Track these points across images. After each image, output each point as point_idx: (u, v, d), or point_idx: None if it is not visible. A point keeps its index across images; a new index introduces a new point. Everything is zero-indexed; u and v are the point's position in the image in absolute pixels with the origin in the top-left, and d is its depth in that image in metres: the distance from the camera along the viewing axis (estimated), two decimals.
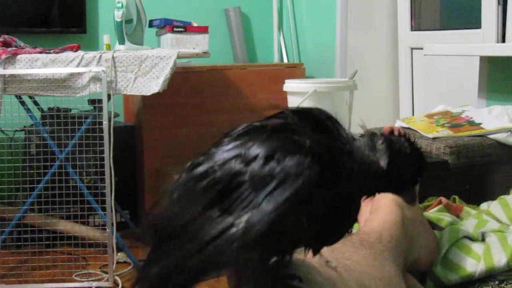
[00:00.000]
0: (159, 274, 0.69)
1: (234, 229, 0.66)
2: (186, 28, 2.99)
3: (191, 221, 0.69)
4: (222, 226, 0.67)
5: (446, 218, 1.31)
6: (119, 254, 2.76)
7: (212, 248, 0.67)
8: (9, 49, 2.55)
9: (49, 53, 2.58)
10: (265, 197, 0.67)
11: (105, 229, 2.61)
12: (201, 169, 0.72)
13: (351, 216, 0.78)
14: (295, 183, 0.68)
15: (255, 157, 0.69)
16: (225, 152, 0.71)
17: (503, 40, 2.27)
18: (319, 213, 0.71)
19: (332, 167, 0.70)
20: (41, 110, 2.88)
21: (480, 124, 1.90)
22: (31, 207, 2.75)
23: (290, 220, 0.68)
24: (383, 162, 0.77)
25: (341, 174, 0.71)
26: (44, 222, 2.74)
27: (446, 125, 1.93)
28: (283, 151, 0.69)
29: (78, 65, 2.55)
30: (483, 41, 2.33)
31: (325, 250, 0.94)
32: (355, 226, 1.36)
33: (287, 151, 0.69)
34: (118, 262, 2.72)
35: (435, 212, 1.36)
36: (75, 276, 2.65)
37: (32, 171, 2.66)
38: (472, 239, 1.20)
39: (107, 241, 2.58)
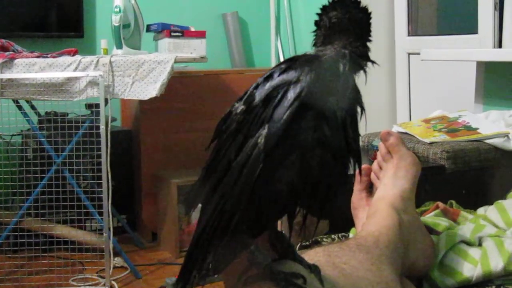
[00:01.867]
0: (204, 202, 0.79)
1: (259, 144, 0.74)
2: (183, 32, 3.00)
3: (225, 149, 0.79)
4: (249, 148, 0.75)
5: (443, 222, 1.31)
6: (116, 258, 2.76)
7: (246, 171, 0.74)
8: (7, 53, 2.55)
9: (47, 57, 2.58)
10: (274, 109, 0.75)
11: (102, 233, 2.61)
12: (227, 111, 0.82)
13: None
14: (296, 87, 0.75)
15: (259, 82, 0.79)
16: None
17: (500, 46, 2.27)
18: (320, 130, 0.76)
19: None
20: (38, 114, 2.88)
21: (477, 129, 1.91)
22: (28, 211, 2.75)
23: (300, 126, 0.75)
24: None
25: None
26: (40, 227, 2.74)
27: (443, 130, 1.94)
28: (280, 69, 0.79)
29: (75, 70, 2.55)
30: (479, 46, 2.33)
31: (321, 255, 0.94)
32: (352, 230, 1.36)
33: (284, 69, 0.78)
34: (115, 267, 2.72)
35: (432, 216, 1.36)
36: (72, 281, 2.64)
37: (29, 176, 2.66)
38: (469, 243, 1.20)
39: (104, 246, 2.57)
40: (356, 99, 0.81)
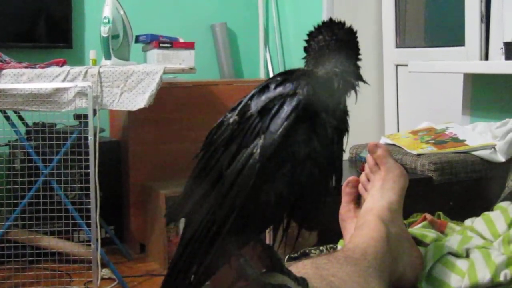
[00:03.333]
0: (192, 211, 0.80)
1: (255, 154, 0.75)
2: (172, 43, 3.00)
3: (216, 159, 0.79)
4: (243, 158, 0.76)
5: (430, 234, 1.31)
6: (103, 270, 2.74)
7: (240, 180, 0.75)
8: None
9: (35, 68, 2.58)
10: (271, 120, 0.76)
11: (89, 245, 2.60)
12: (219, 121, 0.83)
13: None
14: (293, 100, 0.76)
15: (254, 93, 0.80)
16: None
17: (486, 58, 2.29)
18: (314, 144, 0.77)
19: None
20: (26, 125, 2.87)
21: (464, 141, 1.92)
22: (15, 222, 2.73)
23: (295, 136, 0.76)
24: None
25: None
26: (28, 238, 2.72)
27: (430, 141, 1.95)
28: (276, 82, 0.79)
29: (64, 80, 2.54)
30: (466, 59, 2.35)
31: (309, 267, 0.94)
32: (340, 242, 1.36)
33: (280, 81, 0.79)
34: (102, 278, 2.70)
35: (419, 228, 1.37)
36: None
37: (16, 186, 2.64)
38: (456, 255, 1.20)
39: (91, 257, 2.56)
40: (343, 119, 0.83)
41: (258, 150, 0.75)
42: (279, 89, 0.78)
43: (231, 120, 0.80)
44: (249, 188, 0.75)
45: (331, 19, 0.86)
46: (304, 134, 0.77)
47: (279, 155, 0.75)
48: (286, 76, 0.81)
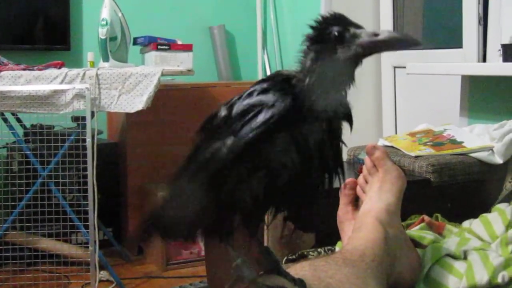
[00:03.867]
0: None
1: (222, 150, 0.81)
2: (170, 45, 3.00)
3: (199, 149, 0.86)
4: (213, 148, 0.82)
5: (428, 236, 1.32)
6: (101, 272, 2.74)
7: (210, 164, 0.82)
8: None
9: (33, 70, 2.58)
10: (244, 124, 0.80)
11: (87, 247, 2.59)
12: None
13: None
14: (268, 112, 0.80)
15: (241, 96, 0.85)
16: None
17: (484, 60, 2.29)
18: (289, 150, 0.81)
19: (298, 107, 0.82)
20: (24, 127, 2.87)
21: (461, 142, 1.92)
22: (13, 224, 2.73)
23: (267, 145, 0.80)
24: None
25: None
26: (25, 240, 2.72)
27: (428, 143, 1.95)
28: (261, 89, 0.84)
29: (61, 82, 2.54)
30: (464, 61, 2.35)
31: (307, 269, 0.94)
32: (338, 244, 1.36)
33: (263, 89, 0.83)
34: (100, 281, 2.70)
35: (417, 230, 1.37)
36: None
37: (14, 189, 2.64)
38: (454, 257, 1.20)
39: (89, 259, 2.56)
40: (336, 123, 0.84)
41: (225, 150, 0.80)
42: (260, 97, 0.82)
43: (222, 114, 0.84)
44: (209, 176, 0.81)
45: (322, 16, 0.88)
46: (279, 143, 0.80)
47: (248, 160, 0.80)
48: (271, 84, 0.84)
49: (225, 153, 0.80)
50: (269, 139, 0.80)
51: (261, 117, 0.80)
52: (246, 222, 0.84)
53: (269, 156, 0.80)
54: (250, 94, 0.84)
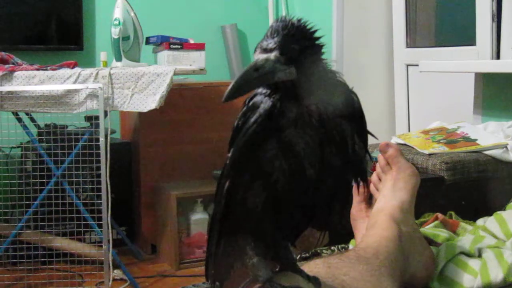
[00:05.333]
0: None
1: (226, 163, 0.83)
2: (182, 45, 3.00)
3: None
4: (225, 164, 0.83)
5: (442, 234, 1.31)
6: (115, 271, 2.75)
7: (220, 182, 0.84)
8: (6, 66, 2.56)
9: (46, 70, 2.59)
10: (245, 121, 0.82)
11: (101, 246, 2.60)
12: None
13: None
14: (259, 110, 0.82)
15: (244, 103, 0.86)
16: None
17: (498, 57, 2.28)
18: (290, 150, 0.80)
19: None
20: (38, 126, 2.88)
21: (475, 140, 1.91)
22: (27, 224, 2.75)
23: (255, 152, 0.81)
24: None
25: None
26: (40, 239, 2.73)
27: (442, 141, 1.94)
28: (253, 94, 0.86)
29: (75, 82, 2.55)
30: (478, 58, 2.34)
31: (321, 267, 0.94)
32: (352, 242, 1.36)
33: (254, 94, 0.86)
34: (114, 279, 2.71)
35: (431, 228, 1.37)
36: None
37: (28, 188, 2.65)
38: (468, 255, 1.20)
39: (103, 258, 2.57)
40: (333, 125, 0.83)
41: (228, 162, 0.82)
42: (251, 103, 0.84)
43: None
44: (224, 191, 0.82)
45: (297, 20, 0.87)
46: (267, 149, 0.80)
47: (245, 172, 0.81)
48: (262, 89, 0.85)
49: (229, 167, 0.82)
50: (261, 142, 0.80)
51: (251, 120, 0.81)
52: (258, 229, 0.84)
53: (262, 160, 0.80)
54: (244, 102, 0.86)
